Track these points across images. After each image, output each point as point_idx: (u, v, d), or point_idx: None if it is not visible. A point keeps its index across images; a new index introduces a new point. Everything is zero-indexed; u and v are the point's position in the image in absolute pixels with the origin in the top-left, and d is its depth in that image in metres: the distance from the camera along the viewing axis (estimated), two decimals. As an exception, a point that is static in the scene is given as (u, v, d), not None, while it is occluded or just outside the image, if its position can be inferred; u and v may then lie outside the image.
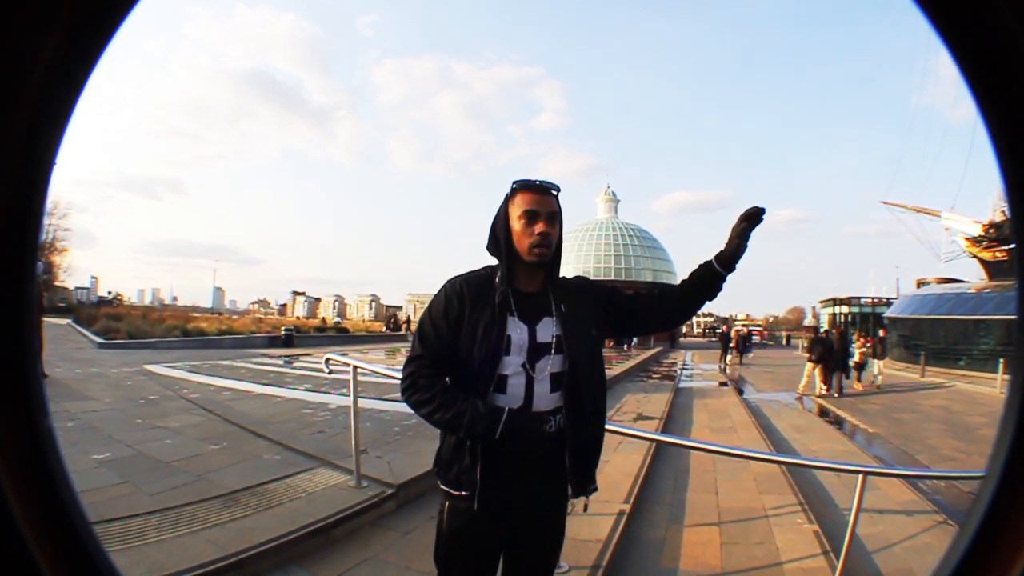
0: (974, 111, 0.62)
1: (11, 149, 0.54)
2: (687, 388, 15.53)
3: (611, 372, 15.29)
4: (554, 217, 1.75)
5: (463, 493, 1.70)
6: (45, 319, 11.29)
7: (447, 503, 1.76)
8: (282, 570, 3.37)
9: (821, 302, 69.06)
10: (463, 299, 1.75)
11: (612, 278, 41.44)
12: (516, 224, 1.74)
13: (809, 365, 15.15)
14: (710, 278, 1.84)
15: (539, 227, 1.72)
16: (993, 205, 28.49)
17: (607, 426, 1.94)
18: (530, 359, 1.72)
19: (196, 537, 3.47)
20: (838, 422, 11.33)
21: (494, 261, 1.82)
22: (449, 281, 1.80)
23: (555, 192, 1.78)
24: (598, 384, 1.83)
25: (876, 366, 17.27)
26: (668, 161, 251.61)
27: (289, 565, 3.41)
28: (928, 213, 33.21)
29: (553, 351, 1.74)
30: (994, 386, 16.32)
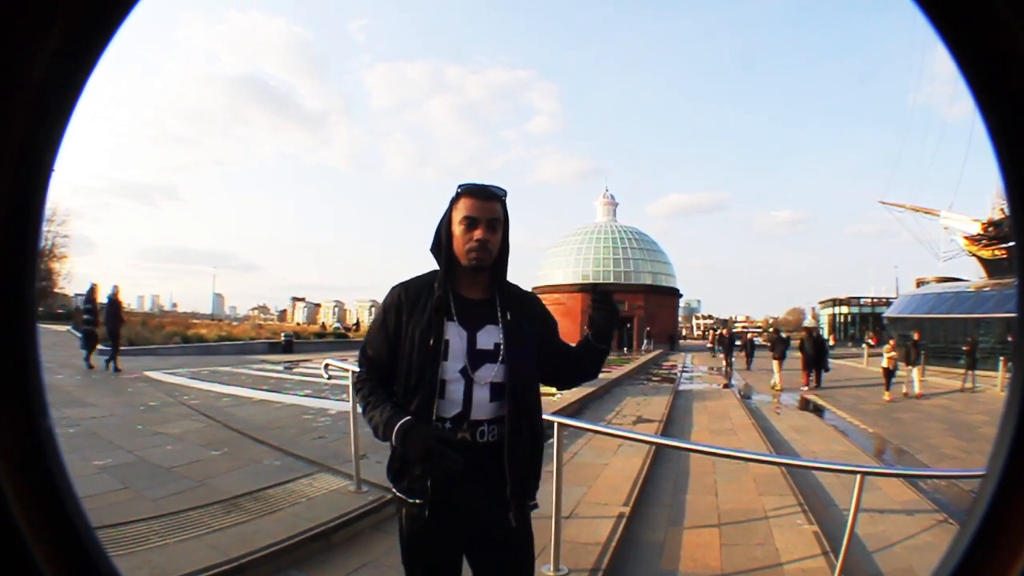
0: (972, 108, 0.62)
1: (10, 152, 0.54)
2: (687, 391, 15.53)
3: (611, 375, 15.29)
4: (495, 224, 1.74)
5: (416, 501, 1.70)
6: (44, 325, 11.31)
7: (403, 509, 1.76)
8: (283, 574, 3.37)
9: (821, 303, 69.24)
10: (400, 307, 1.77)
11: (612, 281, 41.52)
12: (457, 229, 1.73)
13: (775, 362, 16.94)
14: (590, 353, 1.87)
15: (478, 233, 1.70)
16: (992, 203, 28.63)
17: (606, 429, 1.96)
18: (470, 365, 1.71)
19: (197, 542, 3.47)
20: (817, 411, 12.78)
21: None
22: (391, 288, 1.83)
23: (500, 197, 1.77)
24: (535, 400, 1.82)
25: (912, 373, 15.68)
26: (663, 163, 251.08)
27: (290, 569, 3.41)
28: (927, 212, 33.33)
29: (495, 360, 1.73)
30: (994, 384, 16.33)
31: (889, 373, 14.79)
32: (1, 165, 0.54)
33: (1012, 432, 0.63)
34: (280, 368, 15.52)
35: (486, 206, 1.72)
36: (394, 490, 1.78)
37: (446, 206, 1.79)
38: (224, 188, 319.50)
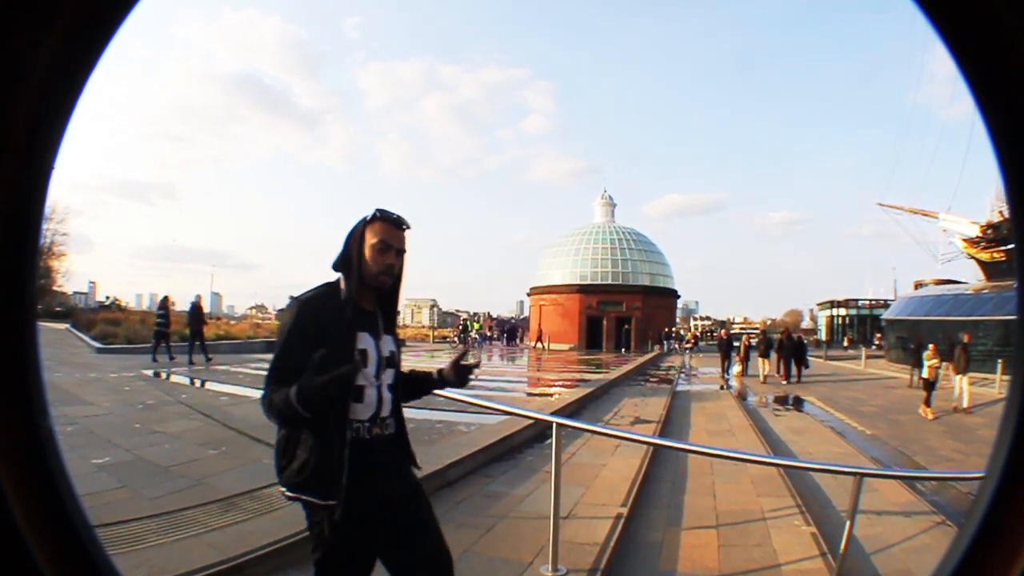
0: (971, 108, 0.62)
1: (11, 150, 0.54)
2: (684, 392, 15.51)
3: (608, 376, 15.29)
4: (402, 254, 1.93)
5: (331, 503, 1.78)
6: (42, 324, 11.37)
7: (319, 515, 1.81)
8: (281, 574, 3.36)
9: (819, 304, 69.08)
10: (308, 322, 1.82)
11: (609, 282, 41.50)
12: (369, 249, 1.87)
13: (760, 359, 18.73)
14: (427, 386, 2.15)
15: (389, 258, 1.88)
16: (991, 205, 28.56)
17: (605, 429, 2.01)
18: (377, 371, 1.90)
19: (196, 541, 3.47)
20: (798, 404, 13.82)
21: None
22: (297, 303, 1.86)
23: (408, 229, 1.95)
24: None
25: (957, 383, 13.45)
26: (660, 163, 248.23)
27: (288, 569, 3.40)
28: (925, 215, 33.24)
29: (394, 365, 1.97)
30: (992, 386, 16.32)
31: (929, 385, 12.39)
32: (2, 164, 0.54)
33: (1011, 434, 0.63)
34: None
35: (399, 235, 1.91)
36: (305, 498, 1.79)
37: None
38: (221, 187, 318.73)
